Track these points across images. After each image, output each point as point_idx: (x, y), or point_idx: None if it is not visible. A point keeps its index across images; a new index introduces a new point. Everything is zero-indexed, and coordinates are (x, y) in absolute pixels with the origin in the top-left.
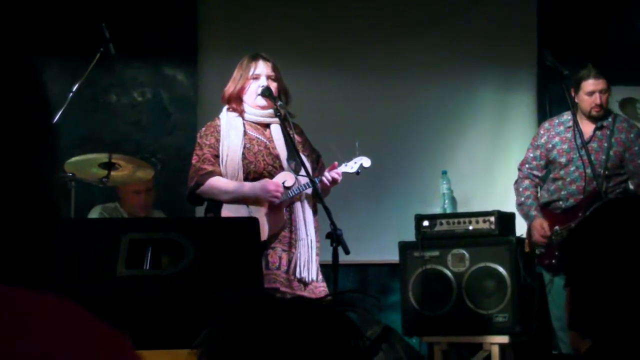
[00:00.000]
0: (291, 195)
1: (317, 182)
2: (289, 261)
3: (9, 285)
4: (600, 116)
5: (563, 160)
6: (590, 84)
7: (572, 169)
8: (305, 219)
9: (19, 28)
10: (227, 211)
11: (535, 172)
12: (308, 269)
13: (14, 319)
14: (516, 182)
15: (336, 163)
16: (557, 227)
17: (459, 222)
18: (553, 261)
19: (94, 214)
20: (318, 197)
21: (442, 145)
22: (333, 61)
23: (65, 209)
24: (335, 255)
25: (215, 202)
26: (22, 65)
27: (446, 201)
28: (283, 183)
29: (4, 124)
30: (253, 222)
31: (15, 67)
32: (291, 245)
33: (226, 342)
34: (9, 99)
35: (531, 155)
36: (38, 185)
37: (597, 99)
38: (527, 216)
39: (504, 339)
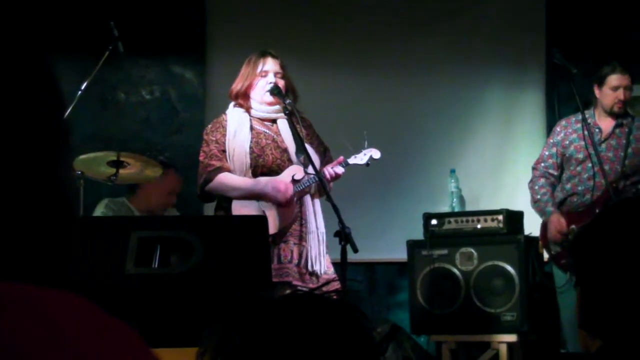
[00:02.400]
0: (301, 188)
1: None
2: (300, 254)
3: (24, 282)
4: (621, 113)
5: (580, 156)
6: (615, 79)
7: (589, 165)
8: (315, 211)
9: (31, 26)
10: (238, 205)
11: (550, 171)
12: (320, 262)
13: (27, 316)
14: (531, 181)
15: (342, 157)
16: (573, 226)
17: (467, 221)
18: (570, 260)
19: (101, 206)
20: (326, 193)
21: (451, 144)
22: (341, 59)
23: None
24: (343, 253)
25: (225, 198)
26: (36, 62)
27: (454, 200)
28: (293, 176)
29: (21, 121)
30: (262, 219)
31: (30, 64)
32: (302, 238)
33: (243, 340)
34: (24, 96)
35: (547, 153)
36: (54, 183)
37: (621, 94)
38: (543, 212)
39: (512, 338)
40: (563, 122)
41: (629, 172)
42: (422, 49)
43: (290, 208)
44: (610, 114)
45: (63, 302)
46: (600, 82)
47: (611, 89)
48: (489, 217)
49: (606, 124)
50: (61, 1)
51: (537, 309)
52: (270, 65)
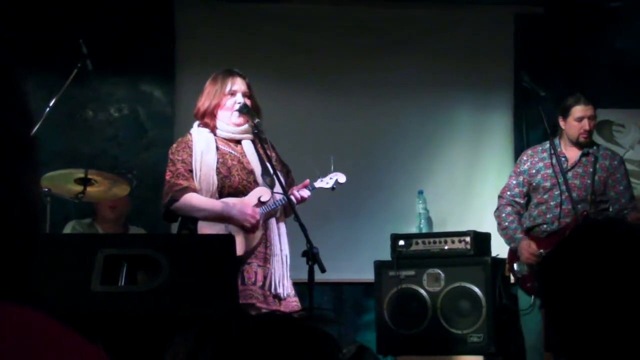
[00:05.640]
0: (267, 210)
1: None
2: (264, 277)
3: None
4: (587, 143)
5: (547, 184)
6: (579, 110)
7: (556, 192)
8: (280, 234)
9: None
10: (204, 226)
11: (517, 199)
12: (283, 285)
13: None
14: (497, 209)
15: (308, 181)
16: (542, 251)
17: (434, 242)
18: (536, 284)
19: (68, 229)
20: (294, 214)
21: (419, 165)
22: (310, 79)
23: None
24: (311, 273)
25: (191, 218)
26: (2, 76)
27: (422, 221)
28: (259, 198)
29: None
30: (229, 239)
31: None
32: (266, 260)
33: (207, 352)
34: None
35: (514, 182)
36: (19, 197)
37: (585, 124)
38: (512, 239)
39: (478, 359)
40: (529, 152)
41: (596, 200)
42: (391, 71)
43: (256, 230)
44: (576, 144)
45: (30, 320)
46: (565, 114)
47: (576, 120)
48: (456, 239)
49: (572, 153)
50: (30, 17)
51: (503, 330)
52: (238, 85)
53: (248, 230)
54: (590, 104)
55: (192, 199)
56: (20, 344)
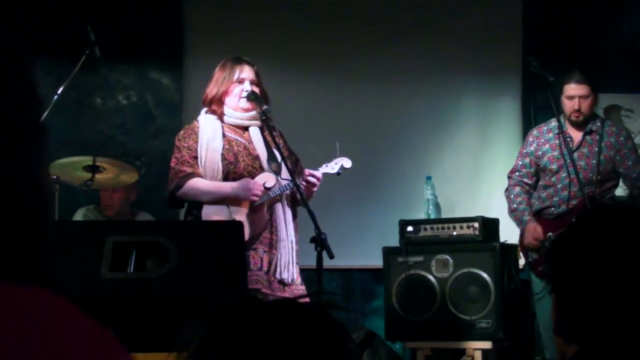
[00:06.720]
0: (272, 195)
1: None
2: (270, 262)
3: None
4: (579, 122)
5: (554, 167)
6: (570, 88)
7: (563, 175)
8: (286, 220)
9: (9, 28)
10: (208, 212)
11: (525, 180)
12: (288, 270)
13: (6, 314)
14: (507, 189)
15: (307, 170)
16: (550, 234)
17: (443, 228)
18: (546, 267)
19: (78, 216)
20: (302, 199)
21: (427, 151)
22: (317, 65)
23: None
24: (319, 259)
25: (196, 203)
26: (9, 62)
27: (430, 207)
28: (264, 184)
29: None
30: (238, 225)
31: (6, 66)
32: (272, 246)
33: (217, 344)
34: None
35: (520, 163)
36: (29, 181)
37: (575, 104)
38: (520, 221)
39: (487, 345)
40: (535, 132)
41: (602, 179)
42: (399, 56)
43: (261, 215)
44: (570, 122)
45: (43, 299)
46: (560, 91)
47: (567, 98)
48: (464, 224)
49: (576, 133)
50: (38, 4)
51: (512, 316)
52: (246, 72)
53: (254, 201)
54: (585, 82)
55: (197, 183)
56: (27, 324)
